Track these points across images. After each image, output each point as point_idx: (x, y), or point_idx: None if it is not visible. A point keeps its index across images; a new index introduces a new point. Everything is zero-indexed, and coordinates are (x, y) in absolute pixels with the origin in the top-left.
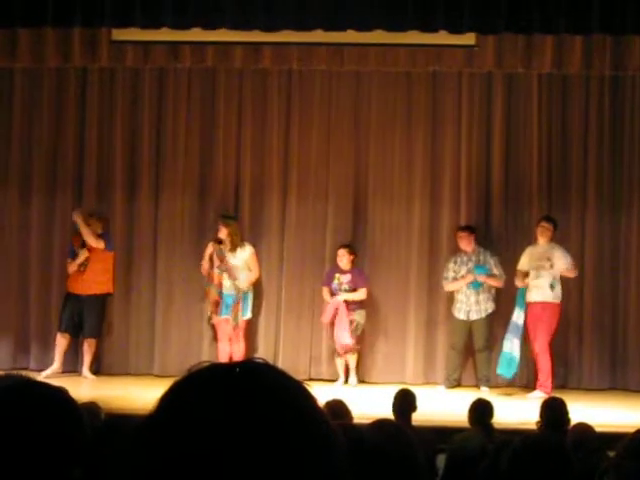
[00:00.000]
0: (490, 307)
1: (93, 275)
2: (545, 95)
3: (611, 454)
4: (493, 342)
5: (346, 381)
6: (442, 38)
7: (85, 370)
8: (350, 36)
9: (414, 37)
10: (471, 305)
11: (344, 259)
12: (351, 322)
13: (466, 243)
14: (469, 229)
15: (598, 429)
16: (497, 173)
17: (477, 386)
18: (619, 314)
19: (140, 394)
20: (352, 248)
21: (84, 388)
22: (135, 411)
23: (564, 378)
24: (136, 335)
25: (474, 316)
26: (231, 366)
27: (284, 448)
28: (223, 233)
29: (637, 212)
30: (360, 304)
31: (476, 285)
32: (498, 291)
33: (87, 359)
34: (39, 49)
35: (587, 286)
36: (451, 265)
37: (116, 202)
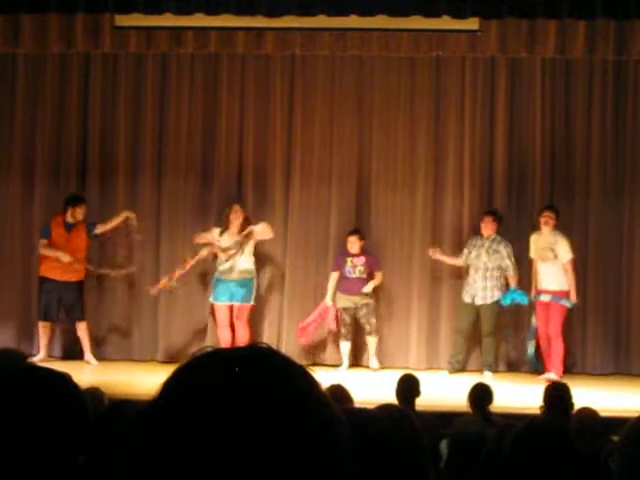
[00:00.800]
0: (497, 295)
1: (76, 261)
2: (548, 80)
3: (615, 439)
4: (499, 329)
5: (351, 366)
6: (445, 23)
7: (88, 355)
8: (353, 21)
9: (417, 22)
10: (477, 290)
11: (355, 246)
12: (366, 305)
13: (484, 227)
14: (492, 214)
15: (602, 414)
16: (500, 158)
17: (482, 371)
18: (622, 299)
19: (144, 380)
20: (362, 234)
21: (87, 374)
22: (139, 396)
23: (568, 363)
24: (139, 321)
25: (479, 301)
26: (235, 351)
27: (288, 433)
28: (240, 217)
29: None
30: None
31: (509, 300)
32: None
33: (87, 343)
34: (42, 35)
35: (590, 272)
36: (467, 245)
37: (119, 188)
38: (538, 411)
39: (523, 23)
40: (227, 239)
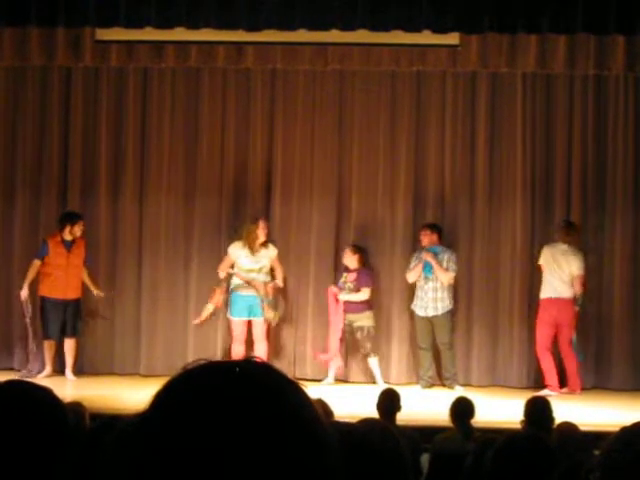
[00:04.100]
0: (447, 305)
1: (77, 279)
2: (529, 94)
3: (596, 453)
4: (455, 339)
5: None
6: (426, 38)
7: (68, 372)
8: (334, 36)
9: (398, 37)
10: (428, 302)
11: (347, 258)
12: (361, 329)
13: (427, 241)
14: (430, 227)
15: (582, 428)
16: (481, 172)
17: (445, 385)
18: (602, 314)
19: (126, 394)
20: (357, 247)
21: (69, 388)
22: (121, 411)
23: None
24: (121, 335)
25: (431, 312)
26: (227, 365)
27: (280, 448)
28: (266, 232)
29: (621, 211)
30: (366, 305)
31: (427, 270)
32: (457, 290)
33: (70, 361)
34: (23, 48)
35: None
36: (413, 258)
37: (100, 202)
38: (519, 425)
39: (503, 38)
40: (250, 257)
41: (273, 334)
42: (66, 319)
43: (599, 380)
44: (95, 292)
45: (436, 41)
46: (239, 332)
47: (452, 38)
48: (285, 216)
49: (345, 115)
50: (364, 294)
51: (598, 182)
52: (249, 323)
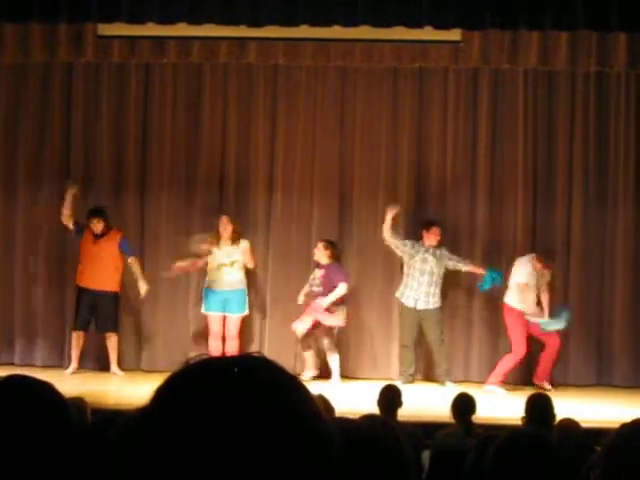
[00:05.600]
0: (438, 301)
1: (107, 271)
2: (531, 91)
3: (597, 449)
4: (456, 335)
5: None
6: (428, 34)
7: (114, 367)
8: (336, 32)
9: (400, 33)
10: (420, 294)
11: (317, 253)
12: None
13: (433, 237)
14: (439, 224)
15: (584, 425)
16: (482, 168)
17: (440, 381)
18: (605, 309)
19: (128, 389)
20: (328, 242)
21: (72, 383)
22: (123, 406)
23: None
24: (123, 330)
25: (421, 306)
26: (229, 360)
27: (281, 443)
28: (228, 228)
29: (622, 208)
30: (338, 300)
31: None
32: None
33: (114, 355)
34: (24, 44)
35: (573, 281)
36: (410, 244)
37: (102, 197)
38: (520, 422)
39: (505, 34)
40: (218, 251)
41: (272, 331)
42: (102, 312)
43: (600, 377)
44: (142, 289)
45: (438, 37)
46: (216, 327)
47: (454, 34)
48: (286, 211)
49: (347, 111)
50: (341, 289)
51: (599, 179)
52: (223, 318)
